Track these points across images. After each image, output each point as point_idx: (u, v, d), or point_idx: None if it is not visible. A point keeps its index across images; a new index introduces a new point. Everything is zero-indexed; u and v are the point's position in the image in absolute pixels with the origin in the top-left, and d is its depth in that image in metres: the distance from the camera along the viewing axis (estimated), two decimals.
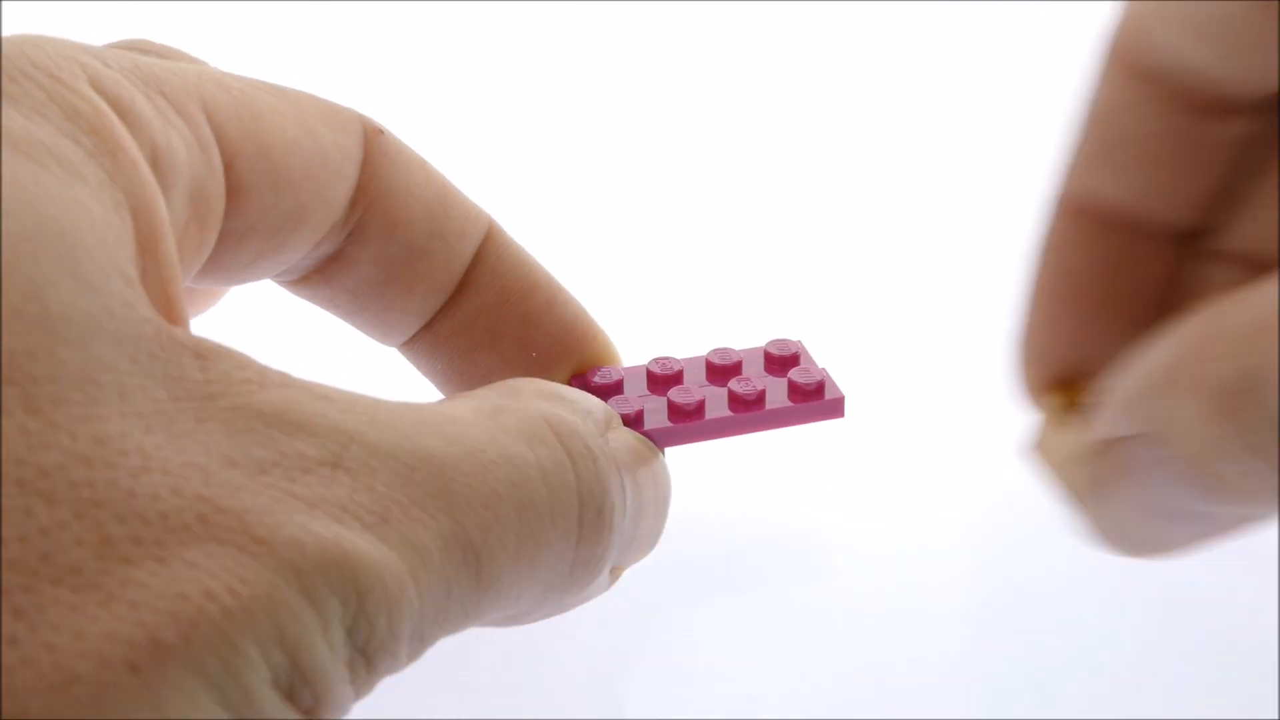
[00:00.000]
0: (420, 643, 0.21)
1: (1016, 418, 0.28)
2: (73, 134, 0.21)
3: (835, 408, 0.30)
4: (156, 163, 0.23)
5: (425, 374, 0.31)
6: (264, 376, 0.21)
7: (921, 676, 0.34)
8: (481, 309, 0.30)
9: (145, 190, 0.22)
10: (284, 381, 0.21)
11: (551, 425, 0.24)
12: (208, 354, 0.21)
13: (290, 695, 0.19)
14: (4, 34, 0.23)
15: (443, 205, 0.29)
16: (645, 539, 0.27)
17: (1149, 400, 0.23)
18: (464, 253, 0.30)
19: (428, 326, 0.30)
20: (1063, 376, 0.28)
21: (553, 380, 0.29)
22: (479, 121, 0.57)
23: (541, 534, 0.23)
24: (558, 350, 0.30)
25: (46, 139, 0.21)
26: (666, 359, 0.30)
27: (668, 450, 0.29)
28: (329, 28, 0.62)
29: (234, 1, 0.62)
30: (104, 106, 0.22)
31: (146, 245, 0.22)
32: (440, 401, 0.24)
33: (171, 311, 0.22)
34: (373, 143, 0.28)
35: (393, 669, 0.21)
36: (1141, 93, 0.26)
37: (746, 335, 0.31)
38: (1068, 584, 0.37)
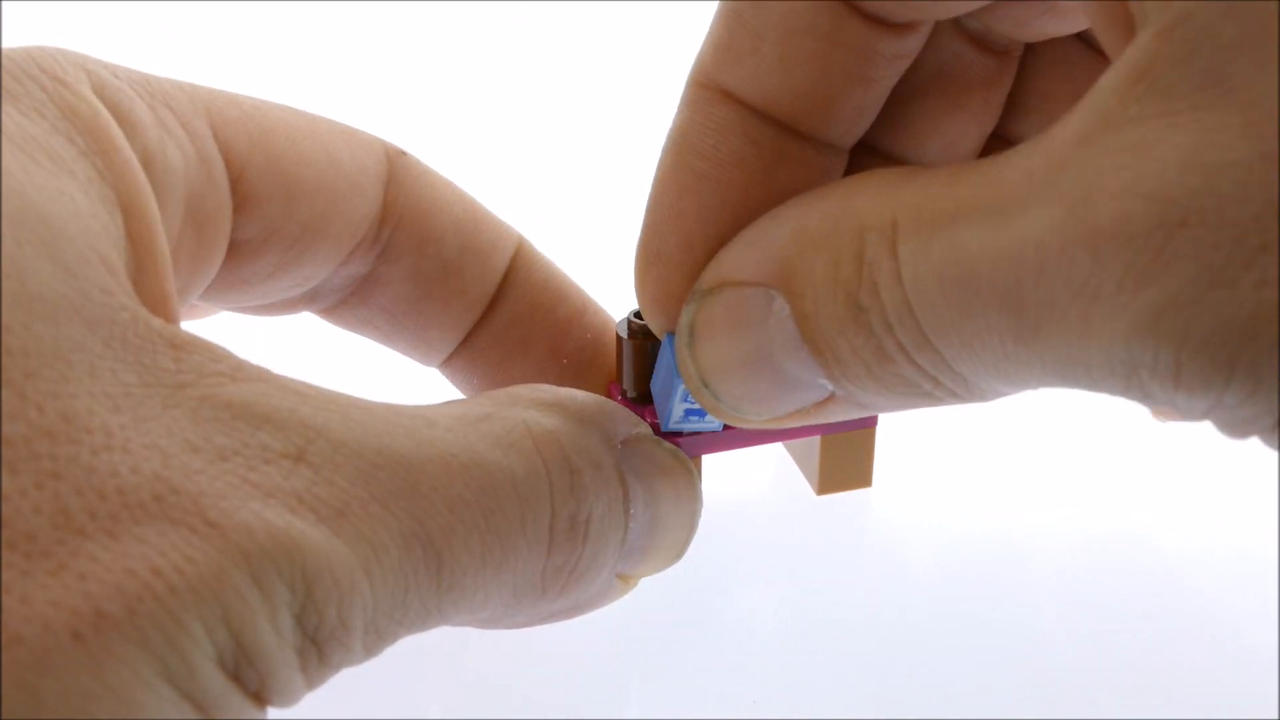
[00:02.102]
0: (377, 637, 0.21)
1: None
2: (67, 132, 0.22)
3: (868, 417, 0.29)
4: (148, 167, 0.24)
5: (463, 390, 0.32)
6: (238, 370, 0.22)
7: (919, 674, 0.34)
8: (514, 320, 0.31)
9: (136, 189, 0.23)
10: (258, 376, 0.22)
11: (532, 434, 0.24)
12: (184, 345, 0.21)
13: (235, 675, 0.19)
14: (18, 43, 0.24)
15: (472, 221, 0.30)
16: (665, 549, 0.27)
17: (790, 248, 0.23)
18: (496, 266, 0.30)
19: (465, 342, 0.31)
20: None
21: (589, 386, 0.29)
22: (503, 138, 0.58)
23: (508, 540, 0.23)
24: (587, 357, 0.30)
25: (40, 135, 0.22)
26: None
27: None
28: (346, 49, 0.64)
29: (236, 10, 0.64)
30: (101, 109, 0.23)
31: (137, 240, 0.23)
32: (425, 405, 0.24)
33: (163, 307, 0.23)
34: (396, 163, 0.29)
35: (348, 661, 0.21)
36: None
37: None
38: (1068, 584, 0.37)
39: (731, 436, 0.28)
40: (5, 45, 0.24)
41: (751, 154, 0.25)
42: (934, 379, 0.22)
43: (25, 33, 0.55)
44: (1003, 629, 0.35)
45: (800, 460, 0.31)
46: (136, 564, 0.18)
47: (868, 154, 0.26)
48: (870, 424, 0.29)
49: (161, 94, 0.25)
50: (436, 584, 0.22)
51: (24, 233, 0.20)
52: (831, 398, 0.24)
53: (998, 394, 0.22)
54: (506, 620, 0.25)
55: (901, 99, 0.26)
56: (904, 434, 0.32)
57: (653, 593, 0.29)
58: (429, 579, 0.22)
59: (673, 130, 0.26)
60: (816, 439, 0.29)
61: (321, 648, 0.20)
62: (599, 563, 0.25)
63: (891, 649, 0.34)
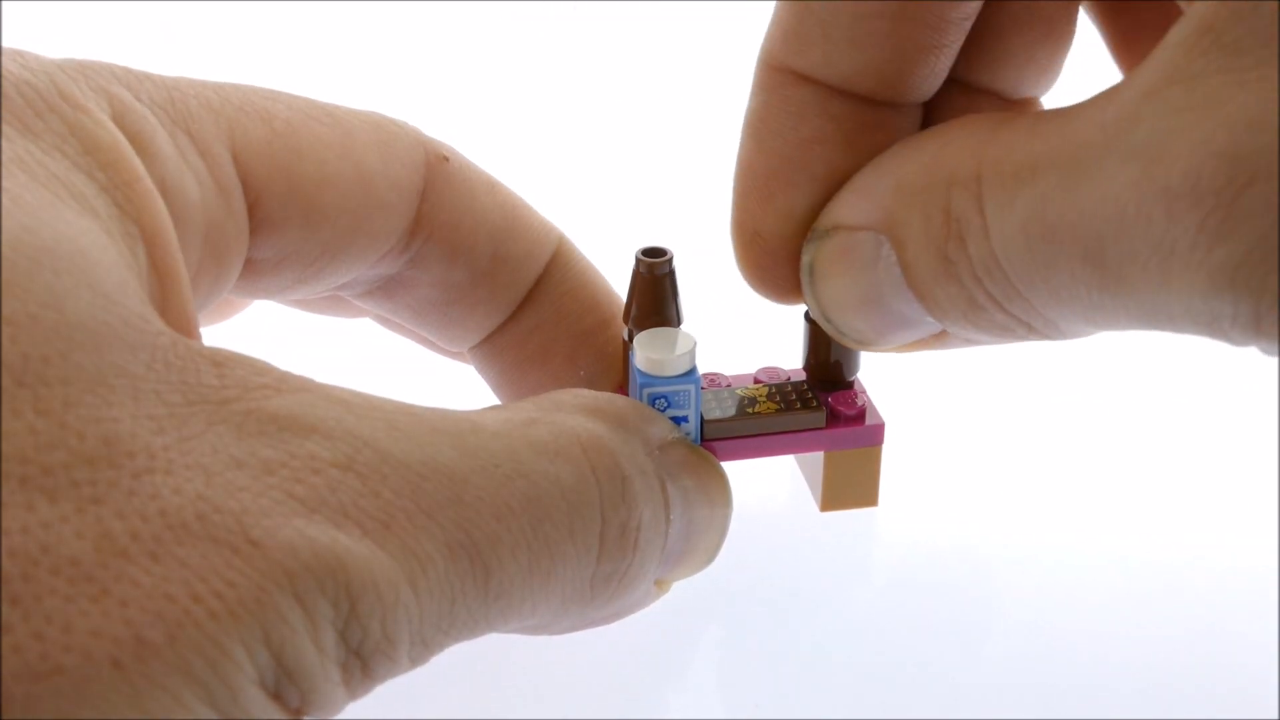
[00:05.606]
0: (424, 648, 0.21)
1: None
2: (88, 168, 0.22)
3: (874, 435, 0.29)
4: (167, 198, 0.24)
5: (484, 378, 0.32)
6: (282, 382, 0.22)
7: (918, 676, 0.35)
8: (538, 325, 0.31)
9: (158, 221, 0.23)
10: (302, 386, 0.22)
11: (581, 441, 0.24)
12: (225, 362, 0.21)
13: (277, 695, 0.19)
14: (18, 43, 0.24)
15: (509, 228, 0.30)
16: (699, 553, 0.27)
17: (891, 198, 0.24)
18: (529, 274, 0.30)
19: (488, 338, 0.31)
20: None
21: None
22: (557, 133, 0.58)
23: (557, 548, 0.23)
24: (604, 370, 0.30)
25: (61, 172, 0.22)
26: (716, 375, 0.30)
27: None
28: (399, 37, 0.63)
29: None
30: (120, 139, 0.23)
31: (161, 270, 0.23)
32: (472, 411, 0.24)
33: (188, 333, 0.23)
34: (435, 171, 0.29)
35: (393, 672, 0.21)
36: None
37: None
38: (1067, 585, 0.37)
39: (730, 448, 0.29)
40: (9, 45, 0.24)
41: (831, 129, 0.26)
42: (1026, 324, 0.23)
43: (25, 33, 0.54)
44: (1003, 631, 0.36)
45: (808, 475, 0.31)
46: (176, 589, 0.18)
47: (952, 86, 0.27)
48: (876, 441, 0.30)
49: (183, 115, 0.25)
50: (484, 594, 0.22)
51: (61, 262, 0.20)
52: (944, 333, 0.25)
53: (1090, 334, 0.23)
54: (552, 627, 0.25)
55: (979, 36, 0.26)
56: (909, 450, 0.32)
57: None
58: (476, 589, 0.22)
59: (750, 115, 0.27)
60: (821, 455, 0.30)
61: (366, 661, 0.20)
62: (645, 569, 0.25)
63: (892, 656, 0.35)
